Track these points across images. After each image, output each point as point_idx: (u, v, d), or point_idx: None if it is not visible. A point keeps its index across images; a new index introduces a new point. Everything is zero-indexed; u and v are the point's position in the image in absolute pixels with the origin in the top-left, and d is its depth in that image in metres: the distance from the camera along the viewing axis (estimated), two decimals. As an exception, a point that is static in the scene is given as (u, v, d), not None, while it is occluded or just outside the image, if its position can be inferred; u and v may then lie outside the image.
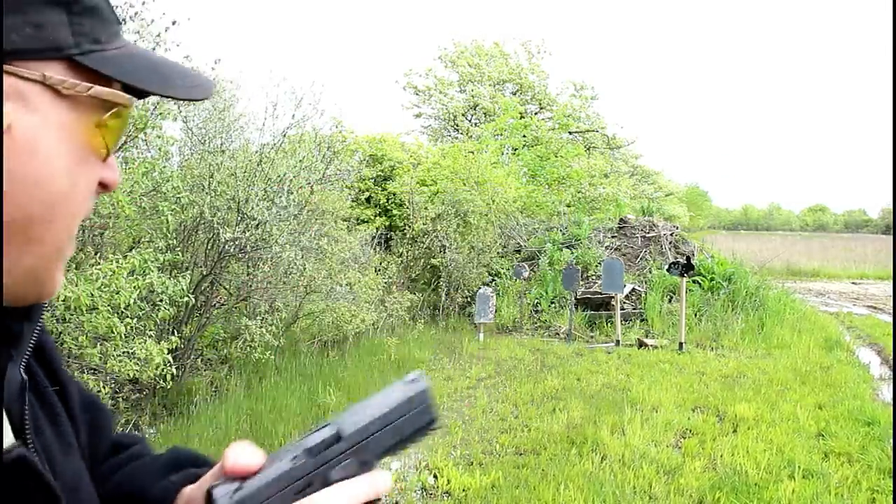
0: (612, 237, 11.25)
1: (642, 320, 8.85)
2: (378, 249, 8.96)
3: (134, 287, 3.59)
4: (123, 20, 4.04)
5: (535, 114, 19.83)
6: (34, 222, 0.44)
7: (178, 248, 4.86)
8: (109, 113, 0.48)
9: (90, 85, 0.46)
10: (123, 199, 3.58)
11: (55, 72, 0.45)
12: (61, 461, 0.53)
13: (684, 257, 8.53)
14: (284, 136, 5.81)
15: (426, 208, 9.55)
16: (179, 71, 0.53)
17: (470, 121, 19.18)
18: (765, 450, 4.21)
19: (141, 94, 0.50)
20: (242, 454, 0.52)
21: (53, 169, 0.45)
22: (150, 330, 3.99)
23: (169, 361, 3.81)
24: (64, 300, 3.23)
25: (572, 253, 10.44)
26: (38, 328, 0.53)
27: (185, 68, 0.54)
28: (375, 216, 10.08)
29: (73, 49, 0.45)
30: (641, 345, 7.71)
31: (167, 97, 0.53)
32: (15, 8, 0.42)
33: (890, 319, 10.23)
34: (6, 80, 0.42)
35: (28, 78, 0.43)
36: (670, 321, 8.57)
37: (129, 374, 3.64)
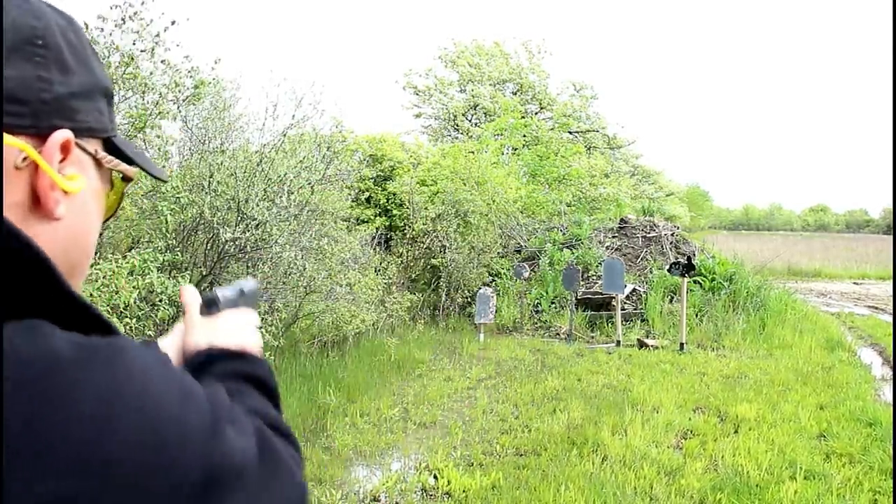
0: (613, 237, 11.23)
1: (643, 321, 8.83)
2: (378, 249, 8.94)
3: (133, 287, 3.58)
4: (123, 20, 4.04)
5: (536, 114, 19.82)
6: (82, 263, 0.57)
7: (178, 249, 4.84)
8: (121, 182, 0.63)
9: (119, 161, 0.60)
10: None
11: (99, 148, 0.57)
12: None
13: (685, 257, 8.51)
14: (284, 136, 5.79)
15: (426, 208, 9.54)
16: (146, 155, 0.68)
17: (470, 121, 19.16)
18: (766, 451, 4.19)
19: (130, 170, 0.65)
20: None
21: (93, 224, 0.58)
22: (150, 330, 3.98)
23: (168, 362, 3.79)
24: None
25: (573, 253, 10.42)
26: None
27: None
28: (375, 216, 10.06)
29: (110, 132, 0.59)
30: (642, 345, 7.70)
31: (153, 176, 0.69)
32: (88, 95, 0.54)
33: (891, 320, 10.21)
34: (76, 151, 0.53)
35: (87, 151, 0.55)
36: (671, 321, 8.55)
37: (128, 375, 3.61)
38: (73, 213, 0.53)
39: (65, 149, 0.51)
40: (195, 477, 0.43)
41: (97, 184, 0.57)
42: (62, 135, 0.50)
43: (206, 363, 0.67)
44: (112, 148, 0.60)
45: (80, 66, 0.53)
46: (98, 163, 0.57)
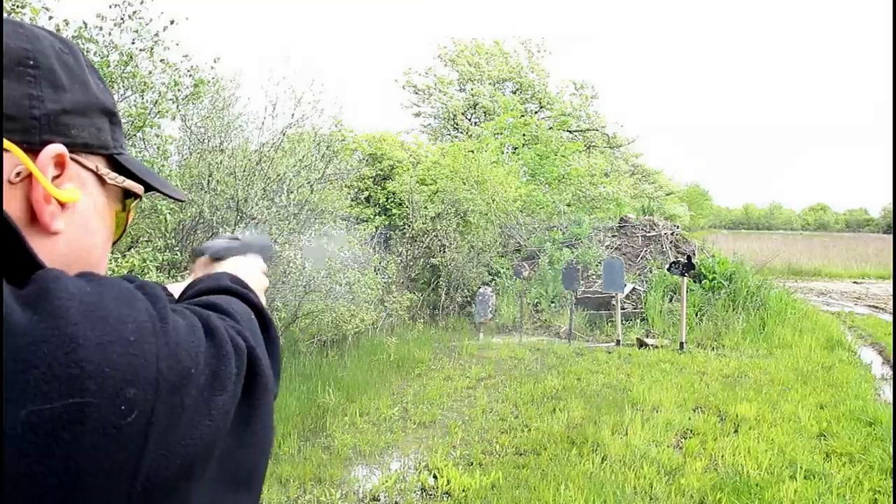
0: (613, 236, 11.23)
1: (643, 320, 8.83)
2: (377, 249, 8.93)
3: (132, 287, 3.57)
4: (122, 19, 4.03)
5: (535, 113, 19.80)
6: None
7: (177, 248, 4.84)
8: (130, 201, 0.63)
9: (124, 178, 0.59)
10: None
11: (101, 165, 0.57)
12: None
13: (685, 257, 8.50)
14: (283, 134, 5.79)
15: (426, 207, 9.53)
16: (160, 177, 0.68)
17: (470, 120, 19.14)
18: (766, 450, 4.19)
19: (146, 190, 0.64)
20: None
21: (95, 242, 0.57)
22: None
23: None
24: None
25: (572, 252, 10.41)
26: None
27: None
28: (375, 215, 10.05)
29: (113, 150, 0.59)
30: (642, 344, 7.69)
31: (166, 195, 0.68)
32: (84, 112, 0.55)
33: (891, 319, 10.20)
34: (74, 167, 0.53)
35: (87, 167, 0.55)
36: (671, 321, 8.54)
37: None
38: (73, 228, 0.53)
39: (60, 164, 0.52)
40: (163, 365, 0.44)
41: (101, 200, 0.57)
42: (54, 149, 0.51)
43: (197, 283, 0.71)
44: (120, 168, 0.60)
45: (74, 85, 0.54)
46: (101, 180, 0.57)
